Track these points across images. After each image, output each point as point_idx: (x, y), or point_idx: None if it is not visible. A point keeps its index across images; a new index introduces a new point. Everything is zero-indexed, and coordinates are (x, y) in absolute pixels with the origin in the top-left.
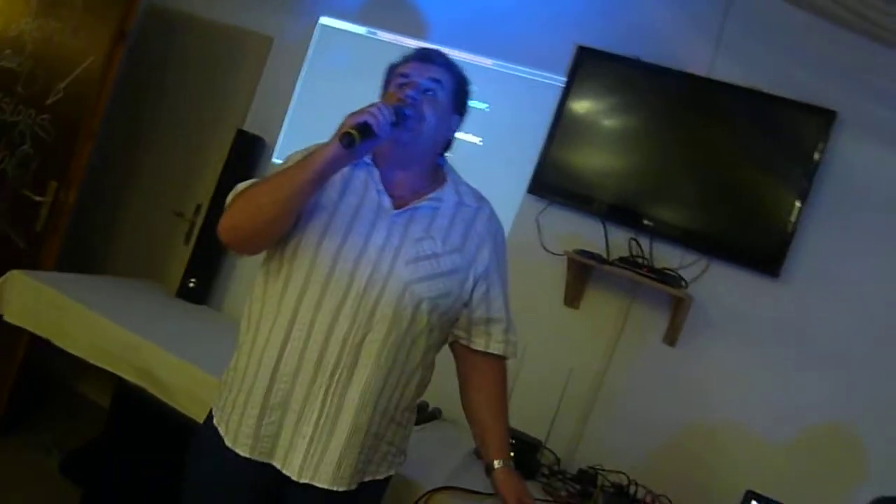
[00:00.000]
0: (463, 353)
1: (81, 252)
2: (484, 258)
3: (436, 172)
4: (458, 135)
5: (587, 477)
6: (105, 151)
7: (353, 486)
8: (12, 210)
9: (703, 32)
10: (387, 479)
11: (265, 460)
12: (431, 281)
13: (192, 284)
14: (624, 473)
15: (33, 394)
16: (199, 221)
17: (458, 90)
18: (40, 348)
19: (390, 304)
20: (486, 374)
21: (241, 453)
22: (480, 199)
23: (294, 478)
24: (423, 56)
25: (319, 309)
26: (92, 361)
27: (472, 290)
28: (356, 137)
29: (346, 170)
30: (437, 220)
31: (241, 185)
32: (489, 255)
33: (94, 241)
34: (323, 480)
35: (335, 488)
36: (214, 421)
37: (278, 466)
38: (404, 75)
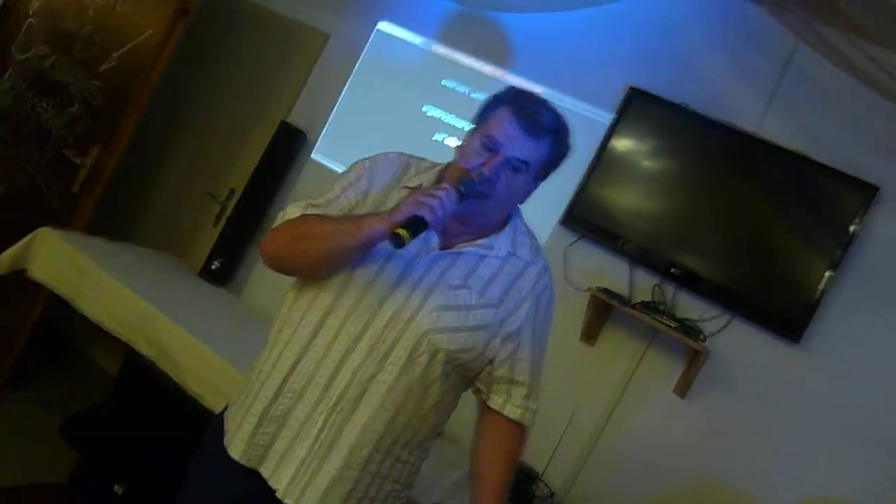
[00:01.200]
0: (482, 406)
1: (111, 218)
2: (519, 317)
3: (498, 221)
4: None
5: None
6: (148, 123)
7: None
8: (51, 167)
9: (756, 89)
10: None
11: (253, 466)
12: (454, 333)
13: (215, 266)
14: None
15: (44, 352)
16: (231, 206)
17: (552, 162)
18: (55, 308)
19: (406, 349)
20: (502, 440)
21: (232, 455)
22: (536, 253)
23: (279, 495)
24: (528, 121)
25: (339, 335)
26: (107, 328)
27: (499, 348)
28: (406, 239)
29: (402, 198)
30: (479, 268)
31: (292, 211)
32: (526, 314)
33: (126, 209)
34: None
35: None
36: (226, 415)
37: (265, 476)
38: (494, 142)
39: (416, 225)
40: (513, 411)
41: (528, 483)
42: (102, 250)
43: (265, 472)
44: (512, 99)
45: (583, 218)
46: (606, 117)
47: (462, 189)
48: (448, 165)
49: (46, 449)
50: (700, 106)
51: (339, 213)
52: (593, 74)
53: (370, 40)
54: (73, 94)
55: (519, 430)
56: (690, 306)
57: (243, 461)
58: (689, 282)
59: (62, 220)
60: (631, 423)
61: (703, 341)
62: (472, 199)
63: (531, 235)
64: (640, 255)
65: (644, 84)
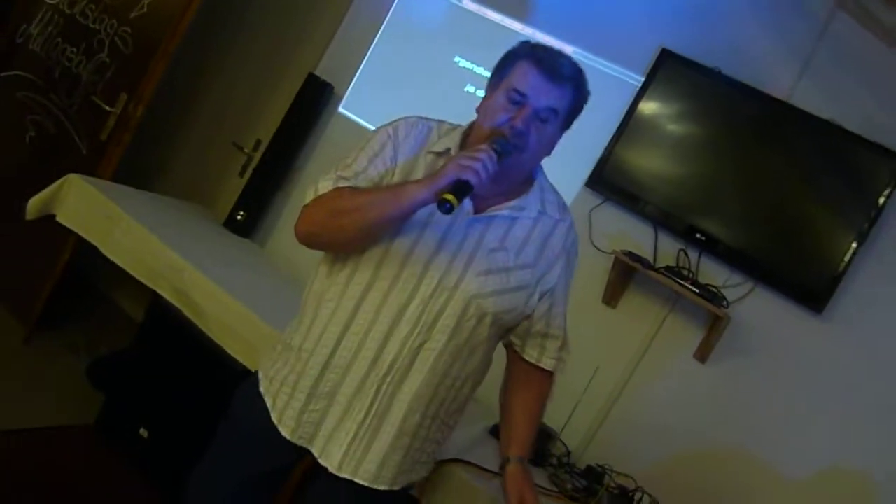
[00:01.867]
0: (514, 358)
1: (138, 166)
2: (554, 275)
3: (524, 177)
4: None
5: (594, 474)
6: (175, 72)
7: (396, 487)
8: (81, 114)
9: (790, 56)
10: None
11: (304, 445)
12: (499, 296)
13: (240, 217)
14: (632, 478)
15: (71, 296)
16: (257, 157)
17: (575, 110)
18: (81, 253)
19: (454, 315)
20: (532, 385)
21: (283, 433)
22: (564, 209)
23: (332, 470)
24: (550, 71)
25: (383, 307)
26: (134, 274)
27: (537, 305)
28: (455, 204)
29: (430, 163)
30: (514, 230)
31: (323, 186)
32: (560, 272)
33: (152, 157)
34: (364, 478)
35: (377, 487)
36: (261, 388)
37: (315, 454)
38: (521, 94)
39: (461, 189)
40: (548, 363)
41: (546, 442)
42: (130, 198)
43: (315, 449)
44: (530, 51)
45: (608, 180)
46: (636, 79)
47: (498, 148)
48: (471, 126)
49: (73, 391)
50: (732, 71)
51: (368, 185)
52: (625, 35)
53: None
54: (103, 41)
55: (549, 377)
56: (714, 272)
57: (294, 439)
58: (714, 248)
59: (90, 166)
60: (650, 385)
61: (726, 308)
62: (508, 157)
63: (556, 192)
64: (665, 220)
65: (676, 47)
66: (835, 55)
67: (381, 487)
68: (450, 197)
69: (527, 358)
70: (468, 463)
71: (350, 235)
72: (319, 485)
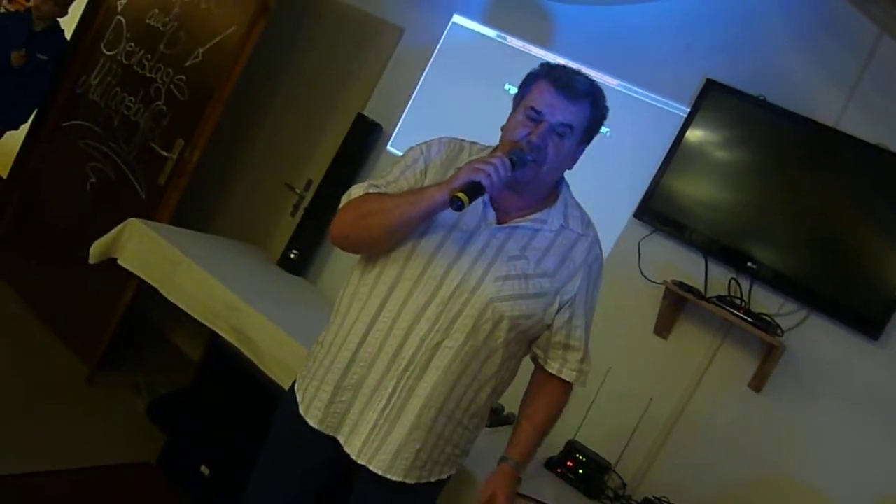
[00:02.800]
0: (537, 369)
1: (194, 208)
2: (574, 287)
3: (549, 191)
4: None
5: None
6: (228, 116)
7: (410, 480)
8: (139, 160)
9: (836, 82)
10: (448, 478)
11: (330, 433)
12: (516, 301)
13: (293, 256)
14: None
15: (131, 337)
16: (309, 196)
17: (593, 125)
18: (140, 294)
19: (472, 316)
20: (551, 395)
21: (311, 423)
22: (587, 225)
23: (353, 457)
24: (565, 87)
25: (405, 306)
26: (193, 314)
27: (556, 315)
28: (466, 202)
29: None
30: (535, 240)
31: (355, 191)
32: (580, 284)
33: (207, 199)
34: (378, 466)
35: (389, 476)
36: (296, 387)
37: (341, 441)
38: (537, 112)
39: (473, 189)
40: (569, 374)
41: (601, 474)
42: (188, 240)
43: (341, 437)
44: (547, 72)
45: (657, 210)
46: (682, 110)
47: (514, 158)
48: (497, 146)
49: (135, 429)
50: (777, 98)
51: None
52: (670, 67)
53: (445, 34)
54: (160, 89)
55: (565, 389)
56: (766, 301)
57: (321, 428)
58: (766, 276)
59: (149, 210)
60: (705, 416)
61: (780, 336)
62: (524, 168)
63: (580, 208)
64: (715, 249)
65: (721, 76)
66: (882, 80)
67: (394, 478)
68: (461, 195)
69: (548, 369)
70: (524, 496)
71: (375, 235)
72: (358, 484)
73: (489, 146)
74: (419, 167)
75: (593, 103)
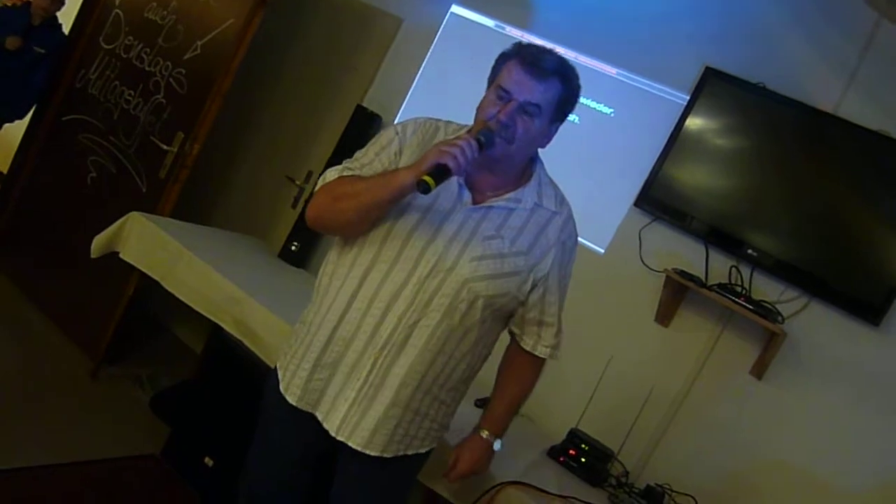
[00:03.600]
0: (511, 344)
1: (195, 201)
2: (547, 264)
3: (524, 170)
4: (588, 103)
5: (654, 494)
6: (228, 109)
7: (388, 455)
8: (140, 154)
9: (836, 68)
10: (428, 452)
11: (310, 410)
12: (491, 280)
13: (294, 248)
14: (692, 497)
15: (134, 330)
16: (309, 188)
17: (564, 103)
18: (142, 287)
19: (448, 295)
20: (522, 370)
21: (290, 400)
22: (561, 202)
23: (332, 433)
24: (533, 66)
25: (382, 285)
26: (195, 307)
27: (530, 293)
28: (432, 185)
29: None
30: (510, 219)
31: (330, 175)
32: (552, 260)
33: (208, 192)
34: (356, 442)
35: (367, 451)
36: (278, 365)
37: (319, 418)
38: (505, 91)
39: (440, 172)
40: (542, 351)
41: (603, 462)
42: (189, 233)
43: (319, 414)
44: (517, 51)
45: (657, 199)
46: (682, 98)
47: (480, 138)
48: (472, 126)
49: (139, 422)
50: (776, 86)
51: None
52: (669, 55)
53: (443, 24)
54: (159, 83)
55: (540, 363)
56: (767, 288)
57: (300, 405)
58: (766, 263)
59: (150, 204)
60: (707, 404)
61: (781, 323)
62: (493, 147)
63: (555, 186)
64: (716, 236)
65: (720, 64)
66: (881, 66)
67: (372, 453)
68: (427, 178)
69: (523, 346)
70: (529, 485)
71: (348, 217)
72: (341, 458)
73: (465, 125)
74: (394, 148)
75: (563, 81)
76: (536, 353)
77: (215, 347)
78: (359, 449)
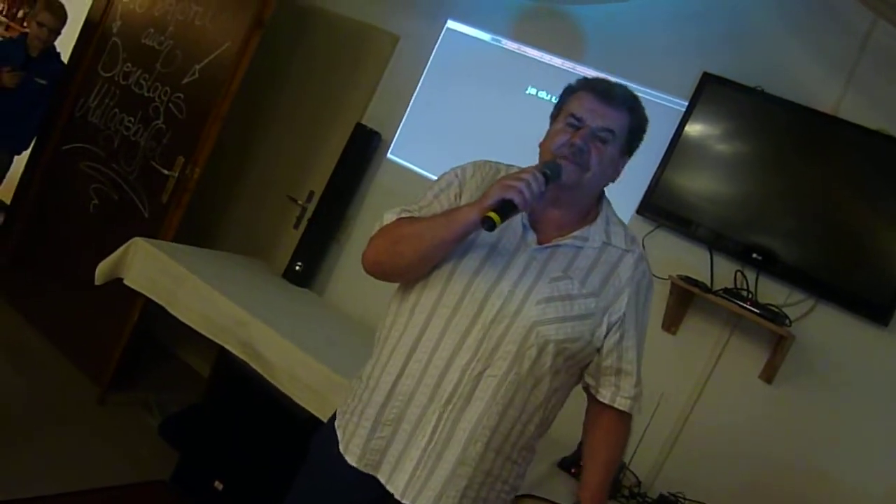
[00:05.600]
0: (590, 400)
1: (197, 225)
2: (622, 305)
3: (589, 209)
4: None
5: (668, 503)
6: (227, 132)
7: None
8: (141, 180)
9: (833, 69)
10: None
11: (370, 472)
12: (561, 324)
13: (298, 268)
14: None
15: (140, 356)
16: (311, 208)
17: (633, 133)
18: (147, 313)
19: (515, 341)
20: (609, 428)
21: (350, 461)
22: (632, 241)
23: (397, 496)
24: (605, 94)
25: (444, 335)
26: (201, 331)
27: (605, 338)
28: (497, 222)
29: None
30: (578, 259)
31: (388, 217)
32: (627, 302)
33: (210, 216)
34: None
35: None
36: (336, 423)
37: (383, 481)
38: (577, 118)
39: (505, 208)
40: (622, 403)
41: (615, 472)
42: (193, 257)
43: (382, 476)
44: (585, 83)
45: (659, 206)
46: (680, 104)
47: (547, 171)
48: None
49: (148, 448)
50: (774, 89)
51: None
52: (666, 62)
53: (440, 39)
54: (158, 108)
55: (622, 419)
56: (773, 292)
57: (360, 466)
58: (771, 266)
59: (153, 229)
60: (717, 410)
61: (789, 326)
62: (560, 179)
63: (623, 224)
64: (720, 242)
65: (718, 69)
66: (879, 66)
67: None
68: (492, 214)
69: (601, 399)
70: (541, 498)
71: (409, 260)
72: None
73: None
74: (454, 190)
75: (633, 110)
76: (615, 406)
77: (222, 370)
78: None
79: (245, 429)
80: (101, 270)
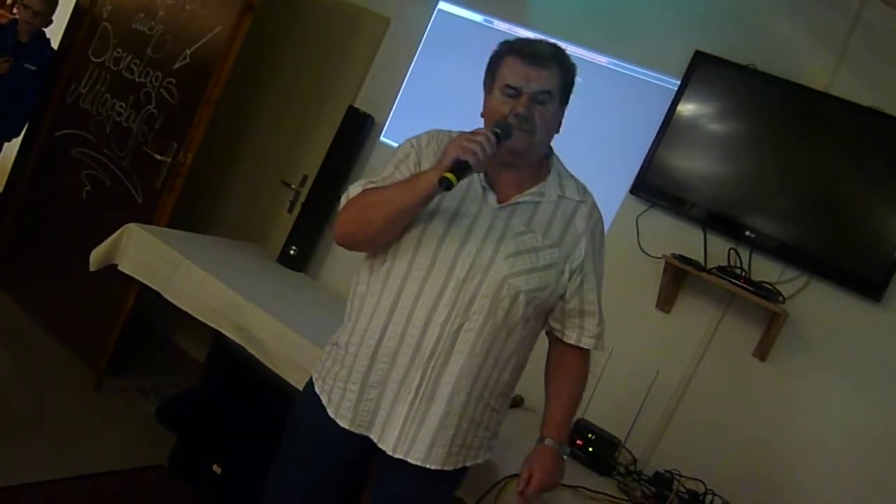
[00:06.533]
0: (554, 342)
1: (191, 210)
2: (580, 252)
3: (541, 164)
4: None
5: (663, 480)
6: (220, 117)
7: (448, 467)
8: (134, 166)
9: (825, 46)
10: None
11: (363, 433)
12: (529, 275)
13: (292, 252)
14: (701, 481)
15: (136, 341)
16: (305, 192)
17: (567, 84)
18: (141, 298)
19: (488, 295)
20: (572, 365)
21: (342, 424)
22: (584, 192)
23: (389, 452)
24: (532, 57)
25: (420, 296)
26: (196, 315)
27: (567, 283)
28: (454, 181)
29: None
30: (538, 213)
31: (353, 190)
32: (585, 249)
33: (204, 200)
34: (416, 458)
35: (428, 465)
36: (316, 389)
37: (374, 440)
38: (514, 88)
39: (460, 168)
40: (587, 342)
41: (611, 450)
42: (187, 242)
43: (374, 435)
44: (509, 48)
45: (653, 185)
46: (673, 83)
47: (497, 131)
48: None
49: (146, 432)
50: (767, 66)
51: None
52: (658, 41)
53: (432, 21)
54: (150, 93)
55: (587, 356)
56: (767, 269)
57: (353, 429)
58: (765, 244)
59: (147, 215)
60: (711, 387)
61: (782, 303)
62: (510, 139)
63: (573, 177)
64: (713, 220)
65: (709, 48)
66: (871, 42)
67: (433, 467)
68: (448, 175)
69: (567, 340)
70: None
71: (378, 227)
72: (379, 473)
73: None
74: (412, 159)
75: (561, 65)
76: (581, 345)
77: (218, 354)
78: (419, 464)
79: (242, 412)
80: (96, 257)
